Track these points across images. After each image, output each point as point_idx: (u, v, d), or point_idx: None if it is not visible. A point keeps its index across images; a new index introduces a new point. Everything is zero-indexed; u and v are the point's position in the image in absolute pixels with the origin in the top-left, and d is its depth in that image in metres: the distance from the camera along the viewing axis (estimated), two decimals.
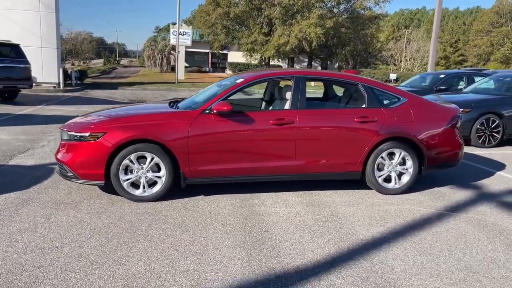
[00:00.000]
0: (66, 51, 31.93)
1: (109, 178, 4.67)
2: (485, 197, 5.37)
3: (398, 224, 4.34)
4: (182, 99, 5.94)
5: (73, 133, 4.70)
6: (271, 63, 43.57)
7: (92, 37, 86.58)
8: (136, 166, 4.70)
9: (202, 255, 3.50)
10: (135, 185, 4.79)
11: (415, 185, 5.51)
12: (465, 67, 59.28)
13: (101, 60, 67.67)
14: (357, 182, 5.36)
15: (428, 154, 5.24)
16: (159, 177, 4.78)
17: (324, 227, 4.20)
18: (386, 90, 5.35)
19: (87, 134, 4.62)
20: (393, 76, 35.04)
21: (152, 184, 4.83)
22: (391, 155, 5.24)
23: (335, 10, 42.92)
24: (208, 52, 47.36)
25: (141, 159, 4.72)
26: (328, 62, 51.79)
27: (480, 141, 8.66)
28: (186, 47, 37.27)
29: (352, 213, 4.61)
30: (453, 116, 5.41)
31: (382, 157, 5.18)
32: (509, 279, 3.29)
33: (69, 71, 21.40)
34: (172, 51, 39.94)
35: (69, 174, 4.72)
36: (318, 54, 46.42)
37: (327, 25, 36.47)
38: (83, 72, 24.02)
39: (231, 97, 4.99)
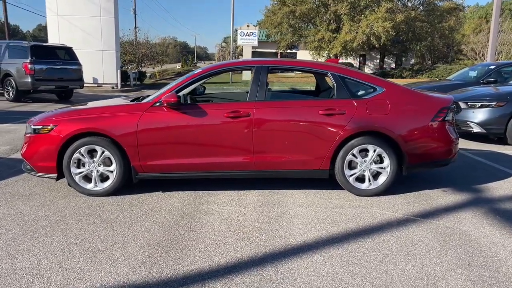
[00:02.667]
0: (142, 54, 33.27)
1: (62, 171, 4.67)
2: (478, 202, 4.58)
3: (345, 229, 3.80)
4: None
5: (31, 126, 4.76)
6: (340, 61, 42.34)
7: (176, 42, 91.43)
8: (87, 159, 4.63)
9: (102, 253, 3.31)
10: (89, 179, 4.74)
11: (399, 186, 4.87)
12: None
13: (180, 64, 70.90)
14: (336, 182, 4.83)
15: (408, 151, 4.58)
16: (111, 172, 4.68)
17: (259, 229, 3.80)
18: (361, 80, 4.76)
19: (40, 127, 4.65)
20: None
21: (105, 178, 4.74)
22: (364, 152, 4.66)
23: (409, 4, 40.76)
24: (276, 52, 47.28)
25: (93, 152, 4.66)
26: (403, 59, 49.27)
27: None
28: (253, 47, 37.70)
29: (302, 215, 4.15)
30: (441, 108, 4.67)
31: (353, 154, 4.62)
32: None
33: (128, 73, 22.47)
34: (242, 52, 40.44)
35: (28, 167, 4.79)
36: (391, 50, 44.34)
37: (397, 19, 34.70)
38: (141, 73, 25.08)
39: (216, 92, 4.90)
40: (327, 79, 5.94)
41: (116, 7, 20.52)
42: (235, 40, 49.08)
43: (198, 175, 4.75)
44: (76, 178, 4.66)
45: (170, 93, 4.57)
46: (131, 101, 5.12)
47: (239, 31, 34.59)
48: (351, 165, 4.70)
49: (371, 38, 35.65)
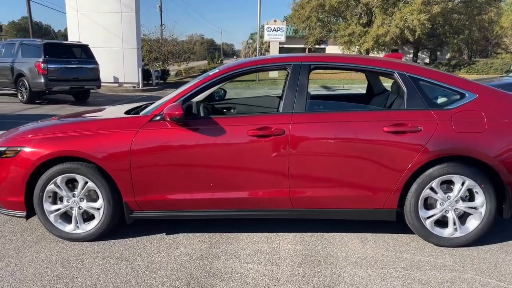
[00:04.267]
0: (168, 52, 32.50)
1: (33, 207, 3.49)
2: None
3: None
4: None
5: None
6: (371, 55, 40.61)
7: (203, 39, 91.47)
8: (65, 193, 3.44)
9: None
10: (68, 218, 3.54)
11: (499, 235, 3.48)
12: None
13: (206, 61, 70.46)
14: (398, 220, 3.48)
15: None
16: (97, 209, 3.47)
17: None
18: (442, 82, 3.37)
19: (4, 149, 3.48)
20: None
21: (90, 218, 3.54)
22: (447, 185, 3.29)
23: None
24: (303, 48, 45.79)
25: (74, 183, 3.46)
26: (438, 53, 46.93)
27: None
28: (280, 43, 36.77)
29: (363, 284, 2.82)
30: None
31: (431, 188, 3.26)
32: None
33: (150, 71, 21.46)
34: (268, 48, 39.31)
35: None
36: (426, 45, 42.26)
37: (433, 11, 32.80)
38: (164, 72, 24.07)
39: (234, 98, 3.68)
40: (380, 78, 4.59)
41: (137, 2, 19.48)
42: (261, 36, 47.98)
43: (213, 215, 3.48)
44: (51, 217, 3.47)
45: (174, 103, 3.31)
46: (129, 111, 3.89)
47: (266, 26, 33.60)
48: (428, 203, 3.34)
49: (405, 31, 33.93)
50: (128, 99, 15.95)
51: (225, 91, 5.16)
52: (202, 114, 3.79)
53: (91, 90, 14.97)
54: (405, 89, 3.34)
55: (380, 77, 4.50)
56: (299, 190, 3.32)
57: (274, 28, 32.67)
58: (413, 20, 32.59)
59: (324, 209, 3.38)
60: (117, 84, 19.60)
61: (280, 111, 3.39)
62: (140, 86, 19.52)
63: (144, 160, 3.31)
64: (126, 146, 3.29)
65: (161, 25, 42.44)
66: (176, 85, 23.03)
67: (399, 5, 34.91)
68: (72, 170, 3.36)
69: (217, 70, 3.59)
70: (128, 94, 18.03)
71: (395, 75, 3.39)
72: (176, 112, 3.19)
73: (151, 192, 3.38)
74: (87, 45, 14.50)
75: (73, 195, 3.45)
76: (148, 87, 20.12)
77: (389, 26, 34.23)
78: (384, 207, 3.31)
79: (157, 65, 30.43)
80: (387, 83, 4.28)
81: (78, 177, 3.39)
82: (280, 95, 4.93)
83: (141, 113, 3.53)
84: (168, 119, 3.26)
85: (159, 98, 3.89)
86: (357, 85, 21.67)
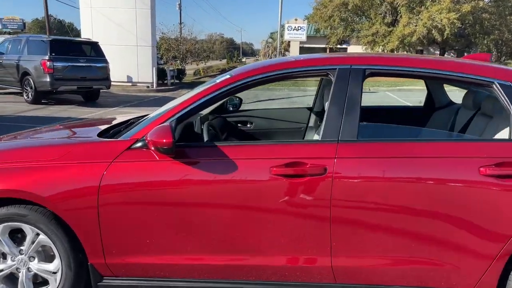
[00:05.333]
0: (186, 51, 31.81)
1: None
2: None
3: None
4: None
5: None
6: None
7: (223, 38, 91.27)
8: (7, 247, 2.42)
9: None
10: (13, 281, 2.52)
11: None
12: None
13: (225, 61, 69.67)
14: None
15: None
16: (53, 273, 2.43)
17: None
18: None
19: None
20: None
21: (42, 283, 2.51)
22: None
23: None
24: (325, 48, 44.57)
25: (20, 234, 2.44)
26: (465, 54, 45.16)
27: None
28: (301, 42, 36.14)
29: None
30: None
31: None
32: None
33: (166, 70, 20.52)
34: (288, 48, 38.45)
35: None
36: (453, 45, 40.56)
37: (463, 10, 31.42)
38: (180, 71, 23.11)
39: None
40: (439, 85, 3.45)
41: None
42: (281, 35, 47.14)
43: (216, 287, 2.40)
44: None
45: (162, 125, 2.23)
46: (109, 130, 2.83)
47: (286, 25, 32.80)
48: None
49: (433, 31, 32.56)
50: (140, 100, 15.06)
51: (241, 100, 4.08)
52: (206, 137, 2.70)
53: (102, 90, 14.08)
54: (509, 105, 2.19)
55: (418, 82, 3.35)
56: (346, 258, 2.22)
57: (295, 27, 32.37)
58: (442, 19, 31.35)
59: (382, 287, 2.27)
60: (130, 84, 18.74)
61: (319, 138, 2.29)
62: (154, 86, 18.59)
63: (119, 207, 2.27)
64: (93, 186, 2.25)
65: (180, 23, 41.77)
66: (192, 85, 22.09)
67: (426, 4, 33.63)
68: (16, 217, 2.34)
69: (228, 76, 2.50)
70: (141, 94, 17.13)
71: (494, 86, 2.25)
72: (164, 140, 2.12)
73: (128, 252, 2.33)
74: (97, 42, 13.62)
75: (19, 252, 2.42)
76: (163, 87, 19.19)
77: (416, 25, 33.05)
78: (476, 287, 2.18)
79: (176, 63, 29.65)
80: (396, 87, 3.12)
81: (26, 227, 2.36)
82: (312, 106, 3.86)
83: (121, 137, 2.47)
84: (153, 148, 2.20)
85: (173, 99, 2.81)
86: (385, 87, 20.41)
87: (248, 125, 3.91)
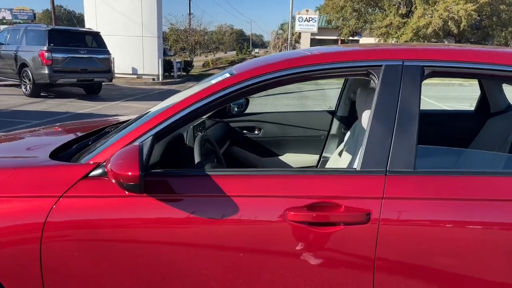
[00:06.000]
0: (195, 42, 31.22)
1: None
2: None
3: None
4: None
5: None
6: None
7: (233, 29, 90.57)
8: None
9: None
10: None
11: None
12: None
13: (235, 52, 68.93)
14: None
15: None
16: None
17: None
18: None
19: None
20: None
21: None
22: None
23: None
24: (336, 39, 43.64)
25: None
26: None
27: None
28: (312, 34, 35.48)
29: None
30: None
31: None
32: None
33: (172, 62, 19.82)
34: (299, 40, 37.70)
35: None
36: (469, 38, 39.42)
37: (481, 1, 30.43)
38: (187, 63, 22.38)
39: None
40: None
41: None
42: (292, 27, 46.36)
43: None
44: None
45: (127, 150, 1.53)
46: (66, 146, 2.13)
47: (297, 16, 32.08)
48: None
49: (449, 23, 31.58)
50: (145, 94, 14.40)
51: (248, 100, 3.37)
52: (197, 157, 1.99)
53: (105, 83, 13.42)
54: None
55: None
56: None
57: (306, 18, 31.90)
58: (458, 11, 30.43)
59: None
60: (135, 76, 18.10)
61: (357, 165, 1.57)
62: (160, 79, 17.93)
63: (70, 260, 1.58)
64: (33, 230, 1.57)
65: (189, 14, 41.16)
66: (199, 77, 21.41)
67: None
68: None
69: (228, 75, 1.79)
70: (146, 87, 16.47)
71: None
72: (129, 173, 1.43)
73: None
74: (99, 33, 12.94)
75: None
76: (169, 80, 18.52)
77: (431, 17, 32.14)
78: None
79: (184, 55, 29.03)
80: None
81: None
82: (335, 109, 3.14)
83: (80, 159, 1.77)
84: (114, 181, 1.51)
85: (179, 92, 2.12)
86: None
87: (256, 132, 3.21)
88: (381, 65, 1.64)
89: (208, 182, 1.57)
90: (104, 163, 1.59)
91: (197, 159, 1.92)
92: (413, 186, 1.50)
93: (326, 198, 1.50)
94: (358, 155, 1.62)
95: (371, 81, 1.65)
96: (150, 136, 1.64)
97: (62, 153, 1.95)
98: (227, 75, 1.84)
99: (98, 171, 1.62)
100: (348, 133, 2.63)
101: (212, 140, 2.25)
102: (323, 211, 1.49)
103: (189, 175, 1.67)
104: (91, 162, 1.66)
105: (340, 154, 2.65)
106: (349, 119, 2.98)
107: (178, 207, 1.55)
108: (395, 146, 1.53)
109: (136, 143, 1.61)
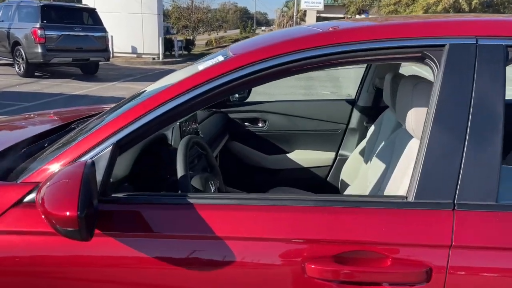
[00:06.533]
0: (198, 20, 30.51)
1: None
2: None
3: None
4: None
5: None
6: None
7: (236, 7, 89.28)
8: None
9: None
10: None
11: None
12: None
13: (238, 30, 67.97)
14: None
15: None
16: None
17: None
18: None
19: None
20: None
21: None
22: None
23: None
24: (343, 17, 42.73)
25: None
26: None
27: None
28: (318, 12, 34.69)
29: None
30: None
31: None
32: None
33: (173, 41, 19.11)
34: (304, 18, 36.88)
35: None
36: (480, 16, 38.57)
37: None
38: (189, 42, 21.66)
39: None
40: None
41: None
42: (298, 4, 45.41)
43: None
44: None
45: (63, 174, 1.03)
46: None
47: None
48: None
49: (460, 0, 30.71)
50: (144, 74, 13.83)
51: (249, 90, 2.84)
52: (181, 169, 1.46)
53: (102, 62, 12.82)
54: None
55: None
56: None
57: None
58: None
59: None
60: (135, 55, 17.48)
61: (402, 191, 1.06)
62: (161, 58, 17.31)
63: None
64: None
65: None
66: (200, 56, 20.78)
67: None
68: None
69: (222, 59, 1.27)
70: (145, 67, 15.87)
71: None
72: (67, 213, 0.92)
73: None
74: (95, 9, 12.30)
75: None
76: (170, 59, 17.90)
77: None
78: None
79: (187, 33, 28.31)
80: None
81: None
82: (355, 98, 2.62)
83: (20, 176, 1.27)
84: (46, 220, 1.01)
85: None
86: None
87: (260, 124, 2.70)
88: (443, 45, 1.11)
89: (192, 215, 1.08)
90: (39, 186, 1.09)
91: (180, 172, 1.40)
92: (496, 228, 1.00)
93: (363, 244, 1.00)
94: (406, 177, 1.11)
95: (429, 68, 1.13)
96: (110, 146, 1.14)
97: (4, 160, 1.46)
98: (221, 57, 1.32)
99: (32, 196, 1.13)
100: (373, 128, 2.13)
101: (203, 142, 1.72)
102: (359, 264, 0.99)
103: (164, 203, 1.17)
104: (25, 182, 1.17)
105: (362, 153, 2.16)
106: (373, 110, 2.47)
107: (144, 252, 1.06)
108: (467, 166, 1.02)
109: (87, 156, 1.11)
